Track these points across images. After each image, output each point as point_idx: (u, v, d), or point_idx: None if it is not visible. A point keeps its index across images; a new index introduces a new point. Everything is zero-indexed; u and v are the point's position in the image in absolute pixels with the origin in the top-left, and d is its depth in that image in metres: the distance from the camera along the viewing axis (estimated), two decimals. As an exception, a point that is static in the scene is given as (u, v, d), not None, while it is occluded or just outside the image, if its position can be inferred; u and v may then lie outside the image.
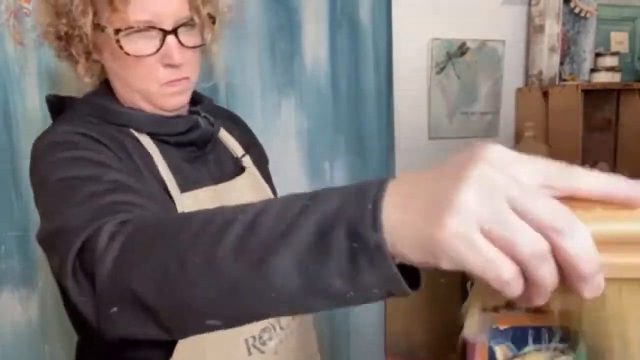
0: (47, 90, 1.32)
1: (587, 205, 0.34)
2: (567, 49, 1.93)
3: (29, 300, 1.39)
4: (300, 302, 0.41)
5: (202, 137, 0.88)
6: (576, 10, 1.90)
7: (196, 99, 0.91)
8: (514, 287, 0.34)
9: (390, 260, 0.36)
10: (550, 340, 0.38)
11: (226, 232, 0.43)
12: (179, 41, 0.79)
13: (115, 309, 0.51)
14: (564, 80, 1.91)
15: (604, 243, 0.33)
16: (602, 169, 1.75)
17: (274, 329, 0.87)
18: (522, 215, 0.32)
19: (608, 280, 0.33)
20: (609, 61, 1.90)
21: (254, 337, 0.84)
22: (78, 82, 0.87)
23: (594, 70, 1.92)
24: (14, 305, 1.38)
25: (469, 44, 1.82)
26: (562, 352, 0.38)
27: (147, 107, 0.84)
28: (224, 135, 0.96)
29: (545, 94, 1.84)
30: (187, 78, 0.82)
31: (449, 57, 1.80)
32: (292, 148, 1.63)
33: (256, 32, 1.55)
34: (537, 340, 0.38)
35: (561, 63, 1.90)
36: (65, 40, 0.81)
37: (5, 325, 1.38)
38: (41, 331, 1.40)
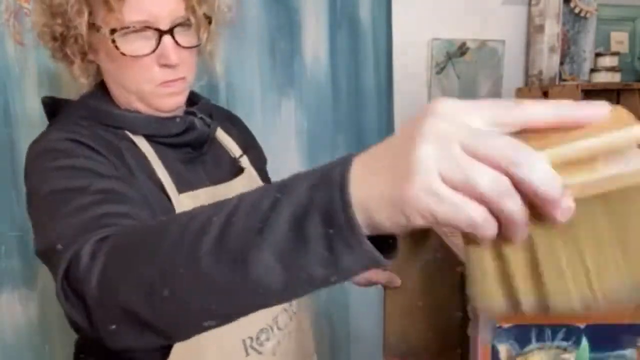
0: (47, 91, 1.33)
1: (540, 134, 0.34)
2: (567, 49, 1.93)
3: (29, 300, 1.39)
4: (288, 293, 0.43)
5: (198, 138, 0.87)
6: (576, 10, 1.91)
7: (193, 100, 0.91)
8: (487, 228, 0.35)
9: (366, 240, 0.37)
10: (553, 339, 0.38)
11: (204, 238, 0.43)
12: (175, 41, 0.78)
13: (112, 326, 0.52)
14: (564, 80, 1.91)
15: (564, 165, 0.33)
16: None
17: (272, 329, 0.86)
18: (478, 157, 0.33)
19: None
20: (609, 61, 1.89)
21: (251, 338, 0.84)
22: (77, 83, 0.87)
23: (594, 70, 1.92)
24: (14, 305, 1.38)
25: (469, 44, 1.82)
26: (565, 350, 0.38)
27: (143, 108, 0.83)
28: (222, 135, 0.96)
29: (545, 94, 1.84)
30: (183, 78, 0.82)
31: (449, 57, 1.80)
32: (292, 148, 1.63)
33: (256, 32, 1.55)
34: (540, 338, 0.38)
35: (561, 63, 1.90)
36: (60, 41, 0.81)
37: (5, 325, 1.38)
38: (41, 331, 1.40)
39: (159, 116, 0.84)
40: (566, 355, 0.37)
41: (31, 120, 1.33)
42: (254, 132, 1.09)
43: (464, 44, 1.81)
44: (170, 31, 0.77)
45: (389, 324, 1.04)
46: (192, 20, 0.80)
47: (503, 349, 0.38)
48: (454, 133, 0.34)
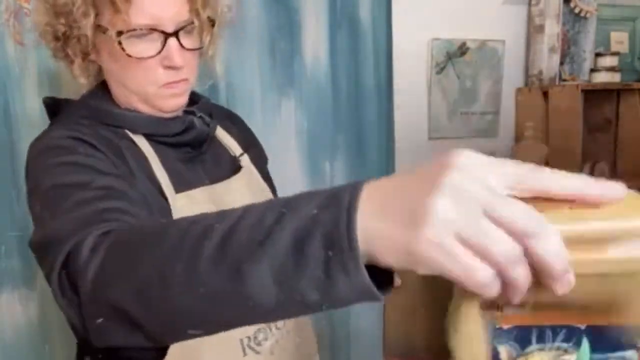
0: (47, 90, 1.33)
1: (554, 204, 0.35)
2: (567, 49, 1.93)
3: (29, 300, 1.39)
4: (277, 312, 0.42)
5: (198, 137, 0.88)
6: (576, 10, 1.91)
7: (193, 99, 0.91)
8: (492, 289, 0.35)
9: (364, 271, 0.37)
10: (554, 340, 0.38)
11: (204, 243, 0.43)
12: (180, 44, 0.79)
13: (100, 320, 0.52)
14: (564, 80, 1.91)
15: (572, 242, 0.34)
16: (602, 169, 1.75)
17: (270, 329, 0.87)
18: (495, 221, 0.34)
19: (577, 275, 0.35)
20: (609, 61, 1.90)
21: (249, 338, 0.84)
22: (77, 83, 0.87)
23: (594, 70, 1.92)
24: (14, 305, 1.38)
25: (469, 44, 1.82)
26: (566, 351, 0.38)
27: (144, 109, 0.84)
28: (222, 134, 0.96)
29: (545, 94, 1.84)
30: (185, 80, 0.83)
31: (449, 57, 1.80)
32: (292, 148, 1.63)
33: (256, 32, 1.55)
34: (541, 339, 0.38)
35: (561, 63, 1.90)
36: (62, 41, 0.81)
37: (5, 325, 1.38)
38: (41, 331, 1.40)
39: (159, 116, 0.85)
40: (567, 357, 0.37)
41: (31, 120, 1.32)
42: (253, 131, 1.09)
43: (464, 44, 1.81)
44: (176, 34, 0.78)
45: (389, 324, 1.04)
46: (196, 23, 0.81)
47: (503, 350, 0.38)
48: (474, 191, 0.34)
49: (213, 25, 0.85)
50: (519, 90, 1.92)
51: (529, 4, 1.88)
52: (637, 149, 1.91)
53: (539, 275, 0.35)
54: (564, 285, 0.35)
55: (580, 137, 1.76)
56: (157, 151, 0.83)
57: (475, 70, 1.84)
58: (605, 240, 0.35)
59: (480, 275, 0.34)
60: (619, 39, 2.02)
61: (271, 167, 1.09)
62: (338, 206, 0.38)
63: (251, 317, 0.44)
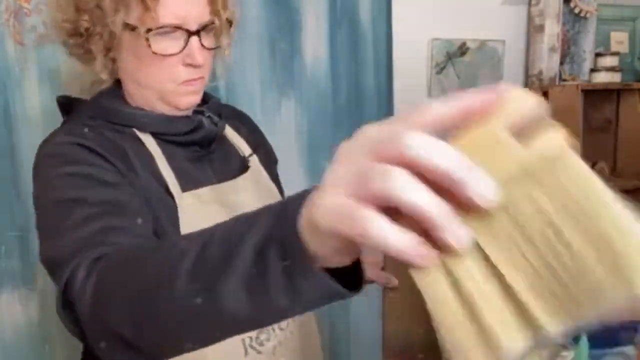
0: (47, 90, 1.33)
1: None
2: (567, 49, 1.93)
3: (29, 300, 1.39)
4: (253, 322, 0.45)
5: (206, 136, 0.89)
6: (576, 10, 1.91)
7: (204, 99, 0.92)
8: (398, 237, 0.31)
9: (323, 273, 0.38)
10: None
11: (179, 265, 0.45)
12: (201, 42, 0.81)
13: (103, 343, 0.55)
14: (564, 80, 1.91)
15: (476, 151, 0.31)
16: (601, 169, 1.74)
17: (273, 329, 0.87)
18: (377, 158, 0.32)
19: None
20: (609, 61, 1.90)
21: (250, 337, 0.84)
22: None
23: (594, 70, 1.92)
24: (14, 305, 1.38)
25: (469, 44, 1.82)
26: (564, 347, 0.38)
27: (160, 106, 0.85)
28: (231, 134, 0.97)
29: (545, 94, 1.84)
30: (202, 78, 0.85)
31: (449, 57, 1.80)
32: (292, 148, 1.63)
33: (256, 32, 1.55)
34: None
35: (561, 63, 1.90)
36: (85, 37, 0.82)
37: (5, 325, 1.38)
38: (41, 331, 1.40)
39: (168, 115, 0.86)
40: (564, 353, 0.37)
41: (31, 120, 1.32)
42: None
43: (464, 44, 1.81)
44: (198, 33, 0.80)
45: (388, 324, 1.04)
46: (217, 23, 0.84)
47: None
48: (356, 145, 0.34)
49: (231, 26, 0.87)
50: (519, 90, 1.91)
51: (529, 4, 1.88)
52: (637, 149, 1.90)
53: (452, 195, 0.30)
54: (484, 190, 0.30)
55: (580, 137, 1.76)
56: (164, 150, 0.84)
57: (475, 70, 1.84)
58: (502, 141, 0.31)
59: (376, 226, 0.31)
60: (619, 39, 2.02)
61: (271, 166, 1.09)
62: (286, 217, 0.39)
63: (232, 329, 0.46)
